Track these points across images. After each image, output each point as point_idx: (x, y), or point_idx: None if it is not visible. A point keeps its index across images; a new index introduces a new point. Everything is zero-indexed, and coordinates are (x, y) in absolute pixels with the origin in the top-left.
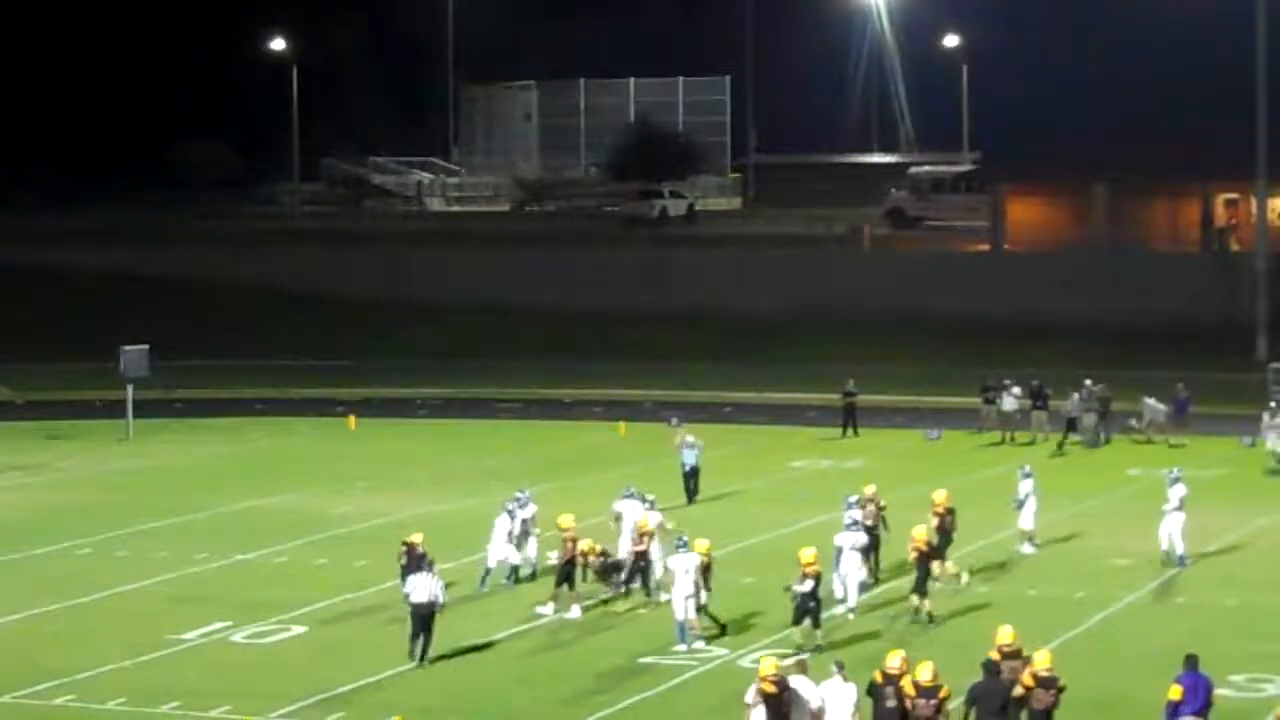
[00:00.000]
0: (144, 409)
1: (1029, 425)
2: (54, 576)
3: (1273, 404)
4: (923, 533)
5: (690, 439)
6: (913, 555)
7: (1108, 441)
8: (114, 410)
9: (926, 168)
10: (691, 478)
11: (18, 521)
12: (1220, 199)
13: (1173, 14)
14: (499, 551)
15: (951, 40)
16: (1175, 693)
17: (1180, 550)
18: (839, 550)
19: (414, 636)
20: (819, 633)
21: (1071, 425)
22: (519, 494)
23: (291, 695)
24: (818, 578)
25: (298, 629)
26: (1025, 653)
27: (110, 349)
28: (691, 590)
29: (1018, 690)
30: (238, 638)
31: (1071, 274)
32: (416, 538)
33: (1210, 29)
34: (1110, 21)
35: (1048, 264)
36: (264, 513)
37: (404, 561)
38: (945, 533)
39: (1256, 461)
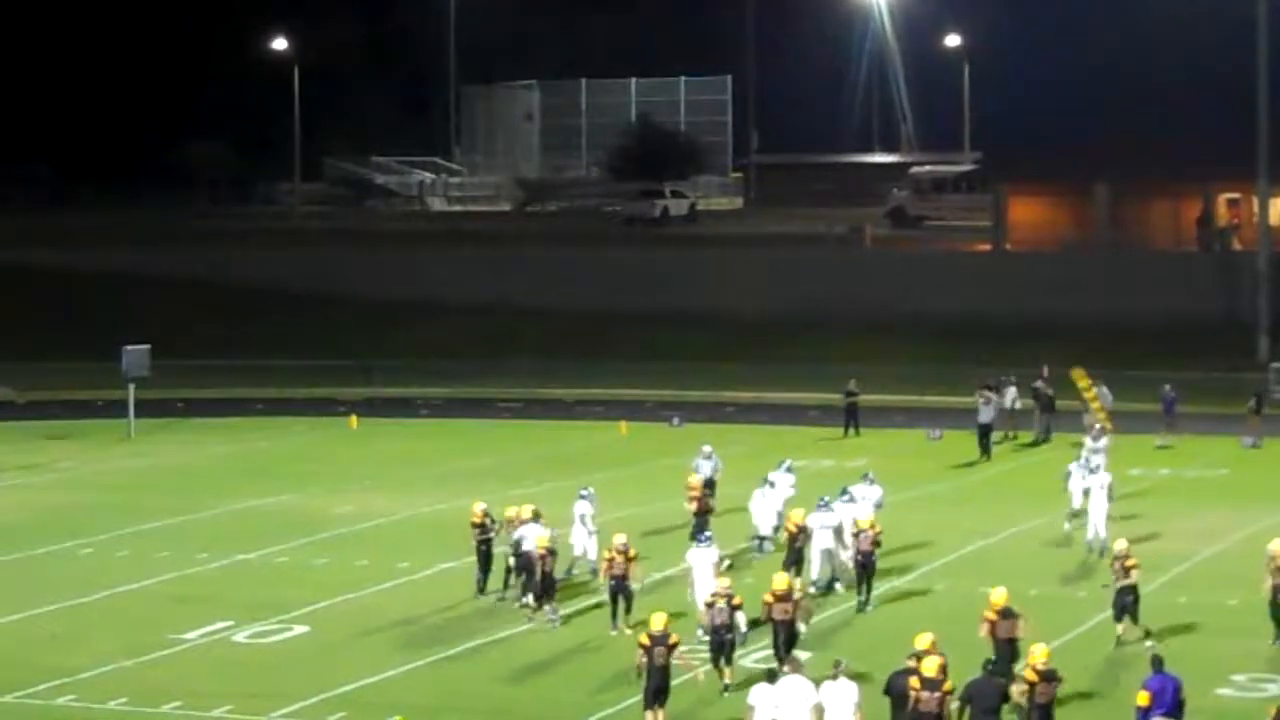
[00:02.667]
0: (145, 409)
1: (1027, 424)
2: (55, 576)
3: (1085, 447)
4: (799, 516)
5: (707, 449)
6: (784, 536)
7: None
8: (115, 410)
9: (928, 167)
10: (706, 490)
11: (19, 521)
12: (1222, 199)
13: (1174, 13)
14: (579, 540)
15: (953, 40)
16: (1143, 698)
17: (1103, 534)
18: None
19: (525, 586)
20: (729, 670)
21: (984, 433)
22: (585, 490)
23: (293, 695)
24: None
25: (299, 629)
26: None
27: (111, 349)
28: (711, 586)
29: (1022, 688)
30: (239, 637)
31: (1073, 274)
32: (525, 523)
33: (1212, 27)
34: (1112, 20)
35: (1049, 264)
36: (265, 512)
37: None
38: (798, 550)
39: (1257, 462)
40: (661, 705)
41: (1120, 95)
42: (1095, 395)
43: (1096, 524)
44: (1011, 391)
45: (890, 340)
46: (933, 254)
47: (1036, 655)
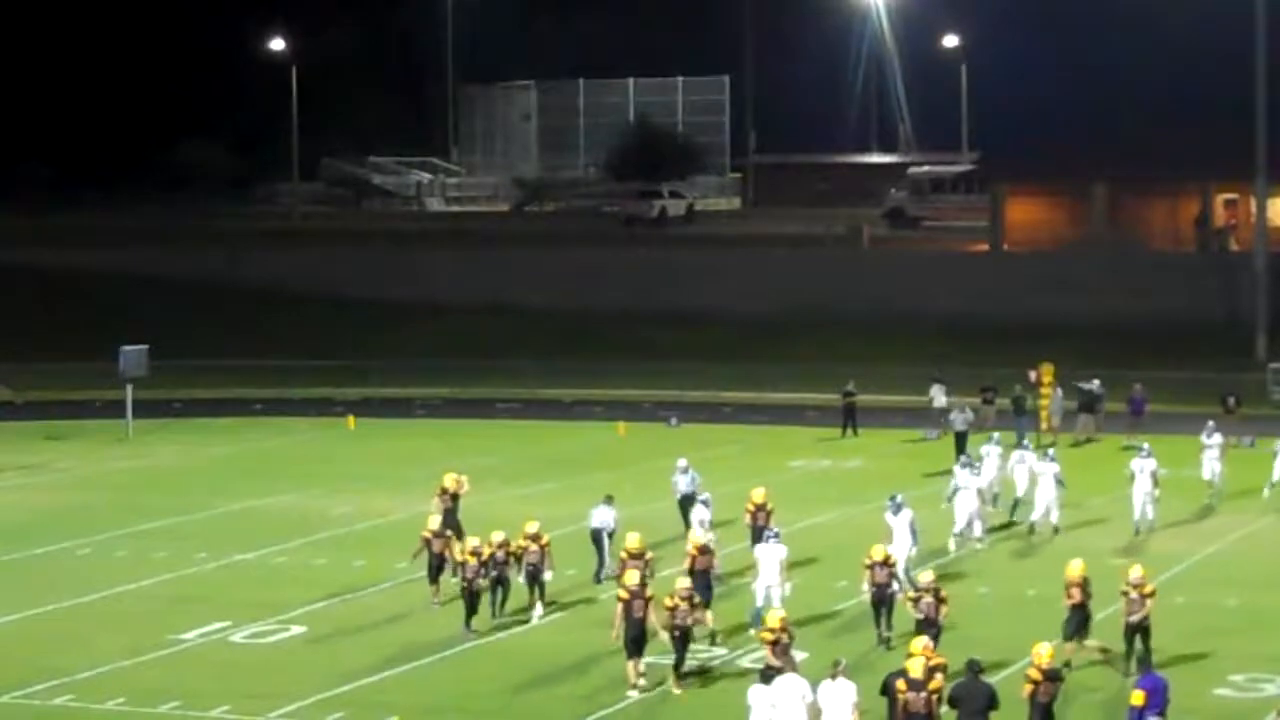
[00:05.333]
0: (143, 409)
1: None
2: (53, 577)
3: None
4: (760, 495)
5: (683, 463)
6: (746, 517)
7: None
8: (113, 410)
9: (926, 168)
10: (686, 505)
11: (17, 521)
12: (1220, 199)
13: (1172, 13)
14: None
15: (951, 40)
16: (1138, 698)
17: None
18: (955, 489)
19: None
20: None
21: (960, 440)
22: (703, 496)
23: (291, 695)
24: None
25: (297, 629)
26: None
27: (110, 349)
28: (776, 580)
29: (1026, 687)
30: (237, 638)
31: (1071, 274)
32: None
33: (1210, 28)
34: (1109, 21)
35: (1047, 264)
36: (263, 513)
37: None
38: (759, 528)
39: (1256, 462)
40: (640, 655)
41: (1118, 96)
42: (1049, 395)
43: (1143, 508)
44: (936, 389)
45: (888, 340)
46: (931, 254)
47: (1043, 654)
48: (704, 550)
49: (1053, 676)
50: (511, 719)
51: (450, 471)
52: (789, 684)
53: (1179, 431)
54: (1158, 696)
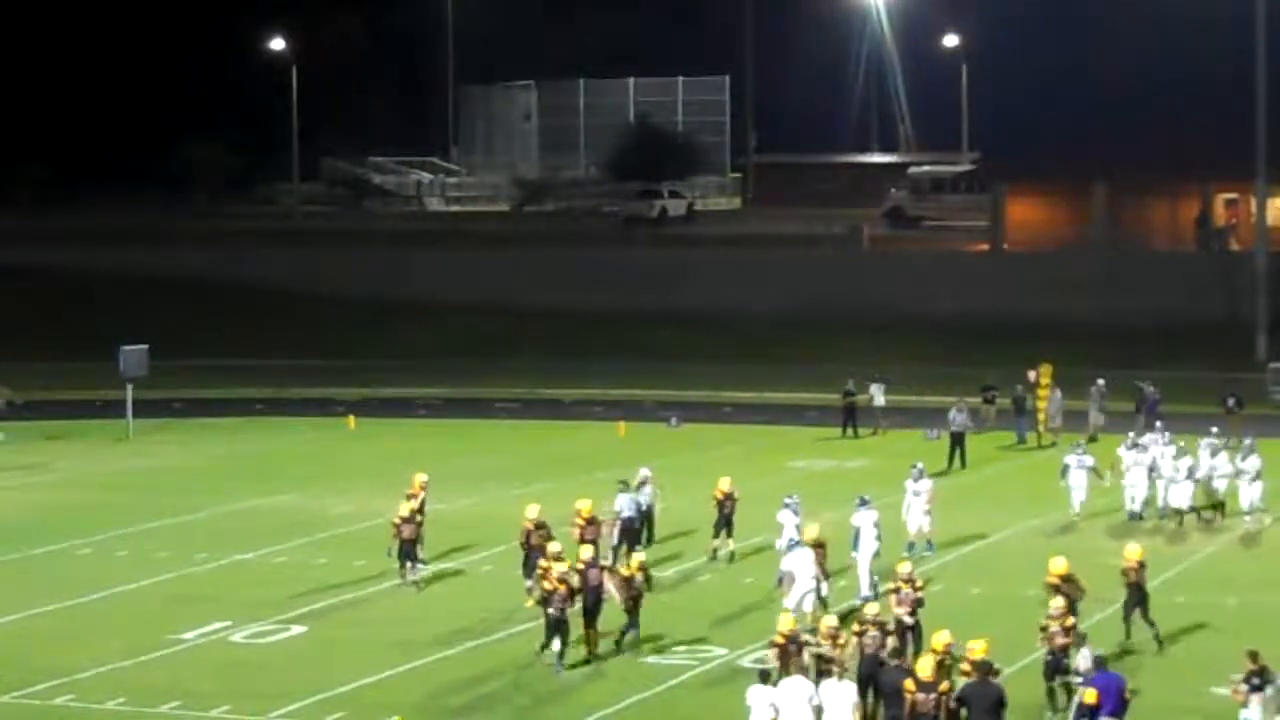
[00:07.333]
0: (143, 409)
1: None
2: (53, 576)
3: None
4: (727, 484)
5: (646, 472)
6: (713, 503)
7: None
8: (113, 410)
9: (926, 167)
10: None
11: (18, 521)
12: (1220, 198)
13: (1173, 14)
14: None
15: (951, 40)
16: (1090, 696)
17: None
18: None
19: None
20: None
21: (957, 440)
22: (790, 498)
23: (291, 695)
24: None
25: (297, 629)
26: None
27: (110, 349)
28: (813, 585)
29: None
30: (237, 637)
31: (1071, 274)
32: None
33: (1210, 28)
34: (1110, 21)
35: (1047, 264)
36: (263, 513)
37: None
38: (726, 516)
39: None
40: (594, 623)
41: (1119, 95)
42: (1046, 398)
43: (1168, 497)
44: (875, 388)
45: (888, 340)
46: (931, 254)
47: (975, 651)
48: (590, 521)
49: (985, 669)
50: (511, 718)
51: (420, 473)
52: (795, 686)
53: (1179, 431)
54: (1111, 697)
